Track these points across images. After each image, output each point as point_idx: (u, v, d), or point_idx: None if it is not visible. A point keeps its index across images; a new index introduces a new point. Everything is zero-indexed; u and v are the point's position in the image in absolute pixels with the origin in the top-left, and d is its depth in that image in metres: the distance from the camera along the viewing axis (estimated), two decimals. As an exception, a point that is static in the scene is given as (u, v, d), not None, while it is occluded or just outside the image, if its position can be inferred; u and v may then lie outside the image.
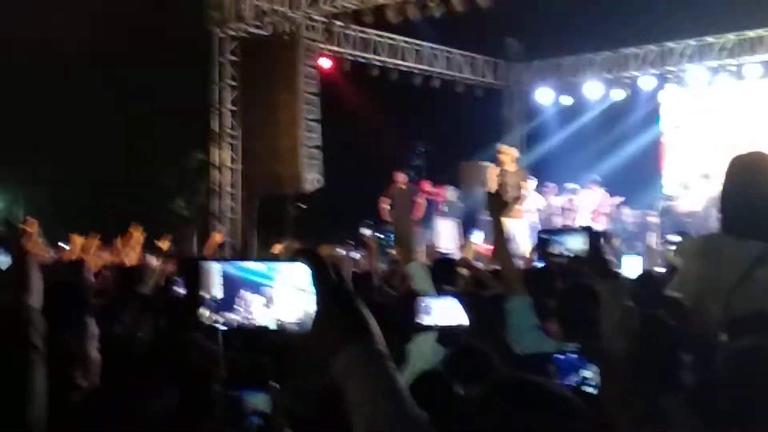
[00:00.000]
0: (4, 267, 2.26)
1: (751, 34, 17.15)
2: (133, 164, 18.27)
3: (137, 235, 7.95)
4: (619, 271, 3.45)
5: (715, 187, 15.85)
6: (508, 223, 11.34)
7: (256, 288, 1.91)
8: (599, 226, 14.05)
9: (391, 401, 1.41)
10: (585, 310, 3.32)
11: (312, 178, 15.46)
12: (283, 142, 15.58)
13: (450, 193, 15.46)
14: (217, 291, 1.93)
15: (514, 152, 13.68)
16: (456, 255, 10.87)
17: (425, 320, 4.14)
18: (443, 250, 12.91)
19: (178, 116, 17.02)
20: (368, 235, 7.97)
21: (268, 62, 15.71)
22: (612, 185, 15.63)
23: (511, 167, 13.46)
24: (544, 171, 16.45)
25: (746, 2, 15.15)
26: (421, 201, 14.80)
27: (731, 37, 17.34)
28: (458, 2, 14.18)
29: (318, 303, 1.48)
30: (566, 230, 3.21)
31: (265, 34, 16.24)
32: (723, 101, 18.07)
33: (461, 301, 4.15)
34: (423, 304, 4.01)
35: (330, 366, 1.42)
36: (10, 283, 2.15)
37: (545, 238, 3.13)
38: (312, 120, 15.72)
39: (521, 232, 12.42)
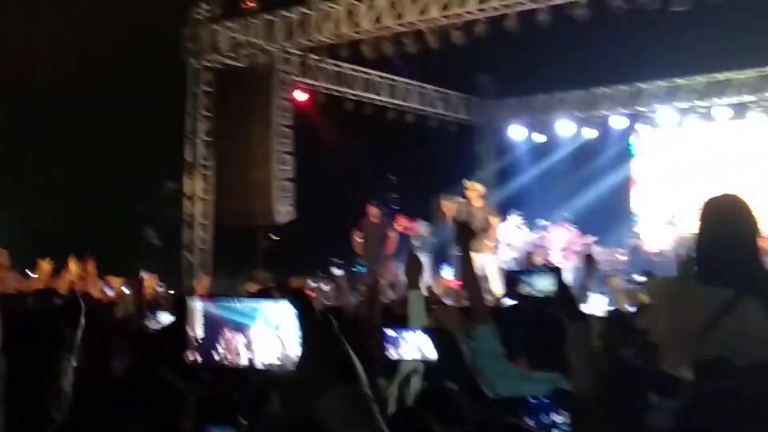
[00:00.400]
0: None
1: (719, 77, 17.42)
2: (106, 192, 18.15)
3: (91, 268, 7.90)
4: (587, 311, 3.45)
5: (682, 227, 16.12)
6: (479, 259, 11.42)
7: (237, 328, 1.91)
8: (569, 264, 14.15)
9: None
10: (551, 339, 3.34)
11: (284, 211, 15.44)
12: (255, 173, 15.58)
13: (422, 228, 15.50)
14: (199, 329, 1.93)
15: (480, 188, 13.70)
16: (427, 290, 10.90)
17: (393, 354, 4.15)
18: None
19: (152, 146, 16.95)
20: (338, 274, 7.99)
21: (242, 94, 15.75)
22: (582, 223, 15.77)
23: (477, 202, 13.50)
24: (515, 207, 16.56)
25: (715, 46, 15.40)
26: (394, 235, 14.81)
27: (701, 79, 17.60)
28: (432, 39, 14.31)
29: (303, 343, 1.50)
30: (534, 270, 3.22)
31: (240, 65, 16.29)
32: (693, 142, 18.35)
33: (430, 336, 4.16)
34: (394, 337, 4.02)
35: (314, 406, 1.44)
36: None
37: (514, 276, 3.15)
38: (285, 153, 15.73)
39: (491, 268, 12.45)
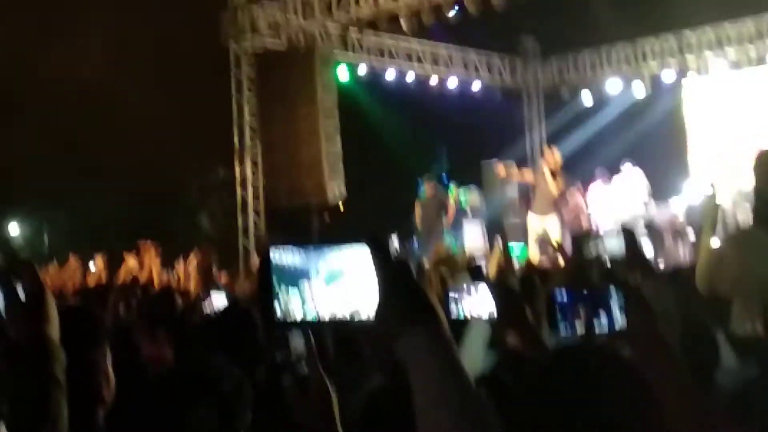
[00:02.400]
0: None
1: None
2: (157, 181, 18.33)
3: (154, 255, 7.95)
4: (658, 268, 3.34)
5: (741, 180, 15.70)
6: (543, 221, 11.37)
7: (310, 275, 1.81)
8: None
9: (454, 380, 1.42)
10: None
11: (335, 189, 15.39)
12: (304, 154, 15.53)
13: (474, 196, 15.39)
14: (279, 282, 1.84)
15: (557, 154, 13.49)
16: (483, 258, 10.82)
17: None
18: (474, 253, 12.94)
19: (200, 133, 17.04)
20: (398, 248, 7.91)
21: (285, 75, 15.69)
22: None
23: (552, 166, 13.31)
24: (567, 170, 16.30)
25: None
26: (451, 208, 14.78)
27: (750, 22, 17.12)
28: (472, 4, 14.08)
29: (381, 286, 1.47)
30: (603, 232, 3.14)
31: (281, 46, 16.22)
32: (746, 88, 17.85)
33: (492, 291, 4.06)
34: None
35: (395, 347, 1.43)
36: (26, 316, 2.11)
37: (581, 239, 3.06)
38: (333, 130, 15.66)
39: (554, 231, 12.42)
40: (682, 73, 18.24)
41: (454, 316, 3.88)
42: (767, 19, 16.99)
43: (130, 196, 18.48)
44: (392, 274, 1.50)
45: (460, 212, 15.07)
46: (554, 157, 13.25)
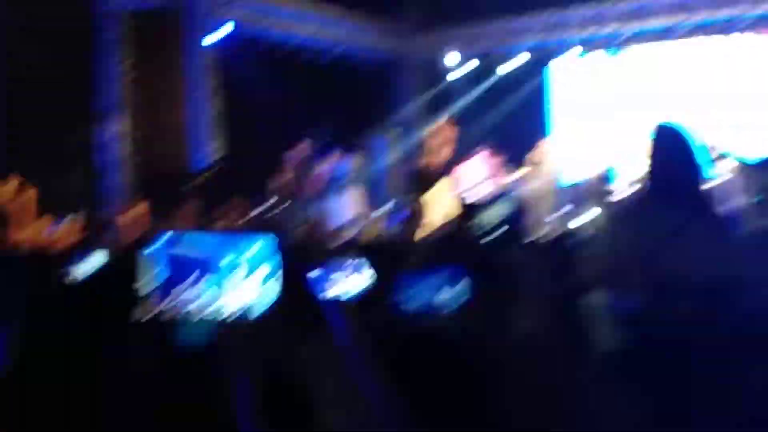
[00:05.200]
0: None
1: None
2: (20, 147, 17.47)
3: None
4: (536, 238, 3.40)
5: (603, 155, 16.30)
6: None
7: (204, 268, 1.66)
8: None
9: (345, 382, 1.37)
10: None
11: (206, 154, 15.11)
12: (172, 117, 15.17)
13: (354, 161, 15.35)
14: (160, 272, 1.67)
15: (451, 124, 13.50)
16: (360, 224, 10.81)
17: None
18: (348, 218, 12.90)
19: (64, 95, 16.29)
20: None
21: (153, 35, 15.21)
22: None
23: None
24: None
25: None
26: (324, 171, 14.68)
27: (621, 5, 17.62)
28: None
29: (281, 286, 1.36)
30: (487, 200, 3.16)
31: (151, 5, 15.67)
32: (614, 69, 18.47)
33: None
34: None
35: (294, 355, 1.35)
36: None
37: (469, 207, 3.09)
38: (203, 93, 15.33)
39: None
40: (553, 50, 18.63)
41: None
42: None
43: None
44: (293, 273, 1.41)
45: (336, 182, 15.01)
46: (447, 127, 13.21)
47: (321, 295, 3.66)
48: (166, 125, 15.10)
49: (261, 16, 17.08)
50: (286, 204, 13.61)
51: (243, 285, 1.59)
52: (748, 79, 16.57)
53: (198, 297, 1.63)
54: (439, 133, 12.96)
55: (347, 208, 14.58)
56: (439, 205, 12.10)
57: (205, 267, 1.63)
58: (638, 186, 3.89)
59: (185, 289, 1.63)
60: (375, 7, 18.10)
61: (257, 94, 15.75)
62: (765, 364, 2.54)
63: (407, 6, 19.40)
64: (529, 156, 14.71)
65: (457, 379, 1.78)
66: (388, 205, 12.31)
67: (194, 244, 1.64)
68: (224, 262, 1.62)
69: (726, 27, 16.67)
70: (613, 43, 17.83)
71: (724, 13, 16.58)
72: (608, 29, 17.82)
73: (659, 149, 3.57)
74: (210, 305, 1.62)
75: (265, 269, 1.44)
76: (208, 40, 15.82)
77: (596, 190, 15.51)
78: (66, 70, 15.70)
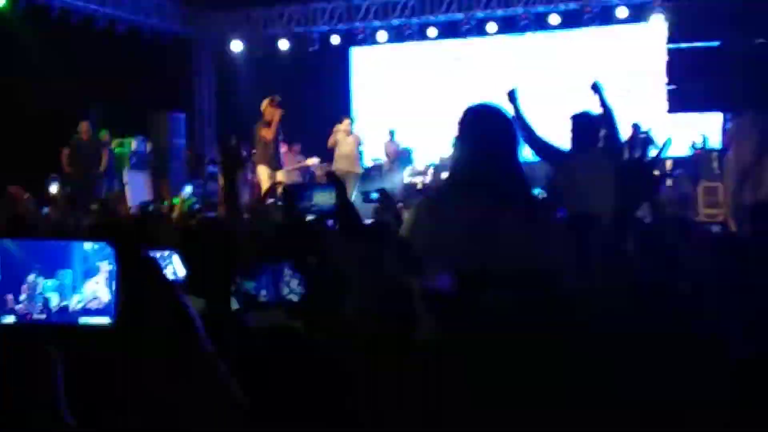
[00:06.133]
0: None
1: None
2: None
3: None
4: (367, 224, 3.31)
5: (401, 143, 16.68)
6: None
7: (46, 271, 1.50)
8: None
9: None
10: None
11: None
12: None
13: (140, 144, 14.84)
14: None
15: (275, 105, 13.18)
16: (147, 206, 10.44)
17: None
18: (134, 203, 12.41)
19: None
20: (56, 190, 7.34)
21: None
22: (304, 141, 15.82)
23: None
24: (236, 124, 16.18)
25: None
26: (104, 152, 14.16)
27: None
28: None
29: (125, 291, 1.22)
30: (316, 185, 3.05)
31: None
32: (409, 58, 18.87)
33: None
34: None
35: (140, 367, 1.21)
36: None
37: (292, 192, 2.95)
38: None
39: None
40: (350, 38, 18.79)
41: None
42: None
43: None
44: (140, 277, 1.29)
45: (116, 161, 14.49)
46: (272, 108, 12.95)
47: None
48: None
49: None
50: (77, 182, 13.01)
51: (84, 290, 1.47)
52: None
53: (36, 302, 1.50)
54: (265, 112, 12.71)
55: (142, 187, 14.14)
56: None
57: (45, 272, 1.50)
58: (443, 171, 3.74)
59: (21, 294, 1.49)
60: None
61: (38, 67, 14.81)
62: (574, 351, 2.59)
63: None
64: (330, 139, 14.78)
65: (305, 376, 1.73)
66: (188, 187, 11.88)
67: (34, 248, 1.50)
68: (56, 268, 1.50)
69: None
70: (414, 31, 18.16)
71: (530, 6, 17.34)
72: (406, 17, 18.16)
73: (466, 134, 3.35)
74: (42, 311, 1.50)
75: (99, 272, 1.34)
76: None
77: (394, 171, 15.91)
78: None
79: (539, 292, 2.96)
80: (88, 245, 1.46)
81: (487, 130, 3.28)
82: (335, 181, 2.99)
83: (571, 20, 17.24)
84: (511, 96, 6.06)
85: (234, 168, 9.32)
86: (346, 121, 15.14)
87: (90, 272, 1.46)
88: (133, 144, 15.06)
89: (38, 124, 14.48)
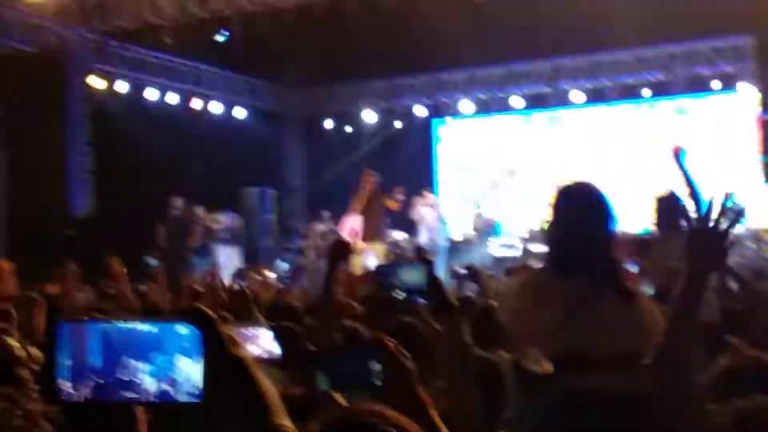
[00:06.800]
0: None
1: (517, 68, 18.03)
2: None
3: None
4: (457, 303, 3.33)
5: (485, 214, 16.65)
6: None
7: (141, 354, 1.60)
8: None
9: None
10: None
11: (81, 203, 14.67)
12: (49, 164, 14.69)
13: (231, 219, 15.17)
14: (95, 357, 1.61)
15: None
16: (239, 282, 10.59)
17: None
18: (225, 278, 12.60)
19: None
20: (154, 265, 7.54)
21: (34, 80, 14.74)
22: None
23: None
24: (327, 199, 16.45)
25: (512, 35, 15.83)
26: (197, 228, 14.49)
27: (499, 70, 18.14)
28: (238, 26, 13.99)
29: (209, 372, 1.29)
30: (403, 263, 3.10)
31: (31, 50, 15.21)
32: (492, 131, 18.97)
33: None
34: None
35: None
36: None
37: (383, 272, 3.01)
38: (82, 143, 14.92)
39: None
40: (434, 111, 19.04)
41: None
42: (514, 66, 18.04)
43: None
44: (224, 360, 1.35)
45: (213, 236, 14.80)
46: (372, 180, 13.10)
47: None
48: (44, 173, 14.58)
49: (142, 68, 16.79)
50: (169, 258, 13.35)
51: (172, 371, 1.56)
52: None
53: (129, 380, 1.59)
54: (363, 185, 12.87)
55: (233, 262, 14.41)
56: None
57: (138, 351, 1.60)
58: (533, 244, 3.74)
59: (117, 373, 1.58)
60: (256, 67, 18.05)
61: (135, 146, 15.42)
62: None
63: (288, 66, 19.41)
64: (412, 212, 14.87)
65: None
66: (280, 262, 12.09)
67: (127, 330, 1.60)
68: (155, 349, 1.59)
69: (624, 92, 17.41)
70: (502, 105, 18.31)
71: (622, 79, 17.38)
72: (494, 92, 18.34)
73: (562, 213, 3.35)
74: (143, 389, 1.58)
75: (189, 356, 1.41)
76: (89, 89, 15.44)
77: (481, 244, 15.80)
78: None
79: (633, 376, 2.94)
80: (178, 327, 1.55)
81: (582, 212, 3.28)
82: (424, 260, 3.05)
83: (660, 91, 17.16)
84: (678, 157, 6.06)
85: (339, 257, 9.32)
86: (429, 194, 15.24)
87: (180, 353, 1.55)
88: (225, 219, 15.40)
89: (135, 201, 14.99)
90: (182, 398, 1.49)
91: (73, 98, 14.90)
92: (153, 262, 7.74)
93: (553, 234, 3.31)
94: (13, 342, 3.15)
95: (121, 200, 14.96)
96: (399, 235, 15.43)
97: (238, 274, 13.08)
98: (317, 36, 15.07)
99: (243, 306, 5.40)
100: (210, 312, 1.37)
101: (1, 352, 3.02)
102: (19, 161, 14.75)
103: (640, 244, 6.22)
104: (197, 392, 1.35)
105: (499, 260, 15.07)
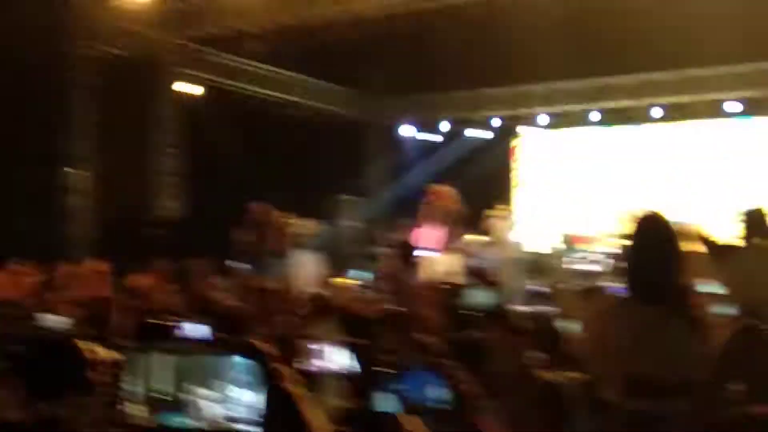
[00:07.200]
0: None
1: (598, 81, 17.90)
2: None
3: None
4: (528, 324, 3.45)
5: (565, 229, 16.54)
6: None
7: (201, 381, 1.75)
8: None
9: None
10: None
11: (169, 205, 15.08)
12: (138, 167, 15.16)
13: (313, 225, 15.36)
14: (167, 385, 1.75)
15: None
16: (319, 289, 10.76)
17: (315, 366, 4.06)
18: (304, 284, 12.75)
19: (35, 138, 16.15)
20: (240, 268, 7.74)
21: (126, 84, 15.25)
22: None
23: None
24: (406, 205, 16.58)
25: (596, 50, 15.76)
26: (282, 232, 14.61)
27: (578, 83, 18.06)
28: (323, 34, 14.23)
29: (265, 401, 1.43)
30: (474, 283, 3.23)
31: (125, 55, 15.75)
32: (572, 144, 18.87)
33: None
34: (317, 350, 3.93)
35: None
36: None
37: (452, 290, 3.14)
38: (170, 146, 15.35)
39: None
40: (514, 122, 19.03)
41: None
42: (594, 81, 17.92)
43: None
44: (275, 390, 1.45)
45: (296, 242, 14.97)
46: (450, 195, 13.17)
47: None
48: (133, 174, 15.07)
49: (230, 72, 17.24)
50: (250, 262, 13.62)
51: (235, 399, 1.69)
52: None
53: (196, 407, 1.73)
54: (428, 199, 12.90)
55: (313, 269, 14.54)
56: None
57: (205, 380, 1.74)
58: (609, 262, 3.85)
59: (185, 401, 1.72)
60: (339, 74, 18.32)
61: (223, 149, 15.82)
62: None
63: (371, 74, 19.64)
64: (485, 224, 14.82)
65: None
66: (358, 272, 12.17)
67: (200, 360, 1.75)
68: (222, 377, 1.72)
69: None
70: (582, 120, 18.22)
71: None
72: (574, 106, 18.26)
73: (638, 242, 3.47)
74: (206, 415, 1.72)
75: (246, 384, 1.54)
76: (179, 92, 15.91)
77: (559, 262, 15.69)
78: (35, 110, 15.63)
79: (706, 403, 3.01)
80: (238, 359, 1.68)
81: (656, 241, 3.46)
82: (491, 283, 3.19)
83: (752, 107, 16.83)
84: None
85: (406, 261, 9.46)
86: (502, 207, 15.19)
87: (241, 383, 1.67)
88: (311, 225, 15.60)
89: (222, 204, 15.33)
90: (242, 427, 1.62)
91: (161, 102, 15.34)
92: (237, 265, 7.94)
93: (631, 261, 3.50)
94: (91, 345, 3.21)
95: (209, 203, 15.35)
96: (478, 244, 15.34)
97: (320, 281, 13.26)
98: (401, 46, 15.23)
99: (321, 313, 5.58)
100: (265, 346, 1.47)
101: (73, 357, 3.12)
102: (109, 163, 15.28)
103: (719, 251, 6.19)
104: (256, 422, 1.45)
105: (575, 277, 14.94)
